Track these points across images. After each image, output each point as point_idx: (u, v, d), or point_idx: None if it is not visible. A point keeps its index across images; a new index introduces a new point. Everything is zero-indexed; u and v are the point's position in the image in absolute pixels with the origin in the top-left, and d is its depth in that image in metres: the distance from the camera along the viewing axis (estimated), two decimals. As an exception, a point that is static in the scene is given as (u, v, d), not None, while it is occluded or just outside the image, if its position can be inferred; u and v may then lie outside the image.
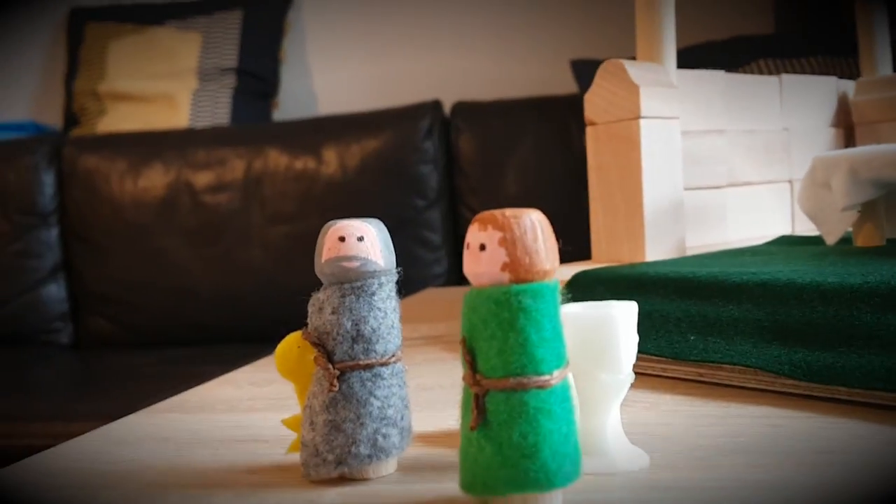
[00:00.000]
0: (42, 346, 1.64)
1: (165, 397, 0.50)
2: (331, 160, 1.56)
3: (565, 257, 0.75)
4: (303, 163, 1.54)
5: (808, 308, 0.42)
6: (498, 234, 0.27)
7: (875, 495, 0.28)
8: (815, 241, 0.64)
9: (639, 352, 0.46)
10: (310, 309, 0.33)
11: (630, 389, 0.33)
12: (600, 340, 0.32)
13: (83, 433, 0.42)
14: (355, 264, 0.32)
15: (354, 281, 0.32)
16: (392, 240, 0.34)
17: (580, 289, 0.54)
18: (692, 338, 0.45)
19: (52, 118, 1.85)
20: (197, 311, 1.59)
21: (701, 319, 0.46)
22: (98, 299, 1.65)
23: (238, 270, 1.56)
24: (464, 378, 0.28)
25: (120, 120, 1.71)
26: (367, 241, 0.32)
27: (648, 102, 0.61)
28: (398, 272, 0.34)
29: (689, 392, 0.43)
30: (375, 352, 0.32)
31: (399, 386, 0.33)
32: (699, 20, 1.36)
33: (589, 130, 0.65)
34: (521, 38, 1.65)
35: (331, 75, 1.80)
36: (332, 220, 0.33)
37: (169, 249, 1.59)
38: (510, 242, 0.27)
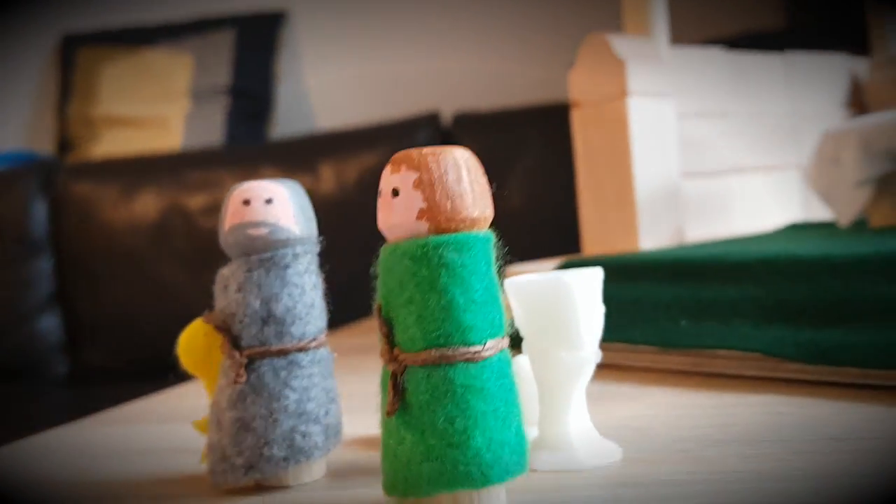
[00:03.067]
0: (37, 380, 1.60)
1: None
2: (328, 177, 1.51)
3: (554, 251, 0.69)
4: (299, 181, 1.49)
5: (815, 283, 0.36)
6: (413, 176, 0.22)
7: (884, 485, 0.23)
8: (828, 226, 0.58)
9: (624, 341, 0.41)
10: (215, 288, 0.28)
11: (612, 384, 0.28)
12: (556, 313, 0.27)
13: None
14: (262, 231, 0.27)
15: (263, 252, 0.27)
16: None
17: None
18: (683, 323, 0.40)
19: (45, 145, 1.83)
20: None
21: (694, 303, 0.40)
22: (94, 329, 1.61)
23: (237, 294, 1.51)
24: (381, 355, 0.23)
25: (113, 144, 1.68)
26: (276, 205, 0.27)
27: (636, 78, 0.56)
28: (319, 241, 0.29)
29: (680, 383, 0.37)
30: (291, 335, 0.27)
31: (322, 376, 0.28)
32: (707, 16, 1.32)
33: (575, 112, 0.60)
34: (522, 41, 1.61)
35: (328, 89, 1.76)
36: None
37: (165, 275, 1.55)
38: (427, 184, 0.22)
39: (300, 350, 0.27)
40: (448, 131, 1.54)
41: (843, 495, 0.22)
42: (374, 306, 0.23)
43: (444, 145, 0.23)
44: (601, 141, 0.57)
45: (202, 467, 0.30)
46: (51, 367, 1.61)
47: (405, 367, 0.22)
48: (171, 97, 1.67)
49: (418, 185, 0.22)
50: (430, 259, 0.22)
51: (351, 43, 1.75)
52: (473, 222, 0.22)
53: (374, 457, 0.30)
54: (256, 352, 0.27)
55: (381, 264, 0.23)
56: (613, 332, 0.41)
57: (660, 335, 0.40)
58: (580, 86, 0.58)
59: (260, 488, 0.28)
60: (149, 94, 1.68)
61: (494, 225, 0.23)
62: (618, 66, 0.56)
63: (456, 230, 0.22)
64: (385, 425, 0.23)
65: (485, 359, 0.22)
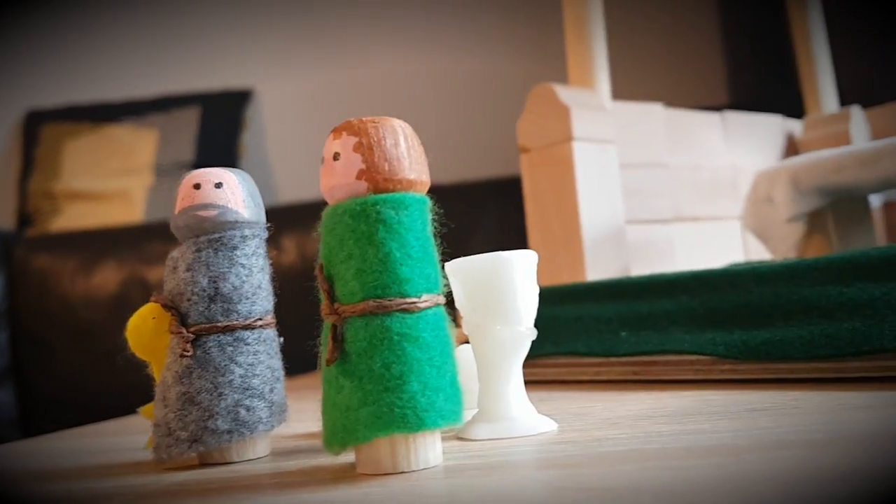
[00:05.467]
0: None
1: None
2: (290, 249, 1.53)
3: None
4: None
5: (743, 291, 0.38)
6: (353, 140, 0.24)
7: (799, 438, 0.24)
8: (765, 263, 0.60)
9: (569, 353, 0.42)
10: (165, 271, 0.29)
11: (557, 393, 0.29)
12: (494, 289, 0.28)
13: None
14: (212, 213, 0.28)
15: (212, 233, 0.28)
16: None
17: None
18: (624, 334, 0.41)
19: (5, 219, 1.83)
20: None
21: (633, 316, 0.42)
22: (49, 404, 1.57)
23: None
24: (321, 311, 0.24)
25: (74, 218, 1.68)
26: (226, 189, 0.28)
27: (580, 124, 0.59)
28: (268, 227, 0.30)
29: (622, 388, 0.39)
30: (238, 313, 0.28)
31: (268, 354, 0.29)
32: (655, 92, 1.39)
33: (523, 158, 0.63)
34: (479, 123, 1.67)
35: (291, 166, 1.80)
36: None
37: (122, 348, 1.53)
38: (367, 148, 0.24)
39: (246, 328, 0.28)
40: (409, 203, 1.58)
41: (759, 443, 0.23)
42: (316, 267, 0.24)
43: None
44: (548, 183, 0.60)
45: (147, 453, 0.30)
46: (3, 441, 1.56)
47: (345, 318, 0.23)
48: (135, 172, 1.69)
49: (358, 148, 0.24)
50: (369, 215, 0.23)
51: (315, 125, 1.79)
52: (410, 184, 0.24)
53: (319, 443, 0.31)
54: (203, 328, 0.28)
55: (324, 226, 0.24)
56: (561, 346, 0.43)
57: (602, 346, 0.41)
58: (528, 132, 0.61)
59: (204, 465, 0.28)
60: (112, 169, 1.70)
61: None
62: (563, 112, 0.59)
63: (394, 190, 0.24)
64: (325, 377, 0.24)
65: (421, 310, 0.23)
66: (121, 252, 1.57)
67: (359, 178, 0.23)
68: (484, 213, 1.51)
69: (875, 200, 0.58)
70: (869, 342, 0.32)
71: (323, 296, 0.24)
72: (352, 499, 0.21)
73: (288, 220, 1.59)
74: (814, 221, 0.56)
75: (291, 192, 1.75)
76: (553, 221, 0.59)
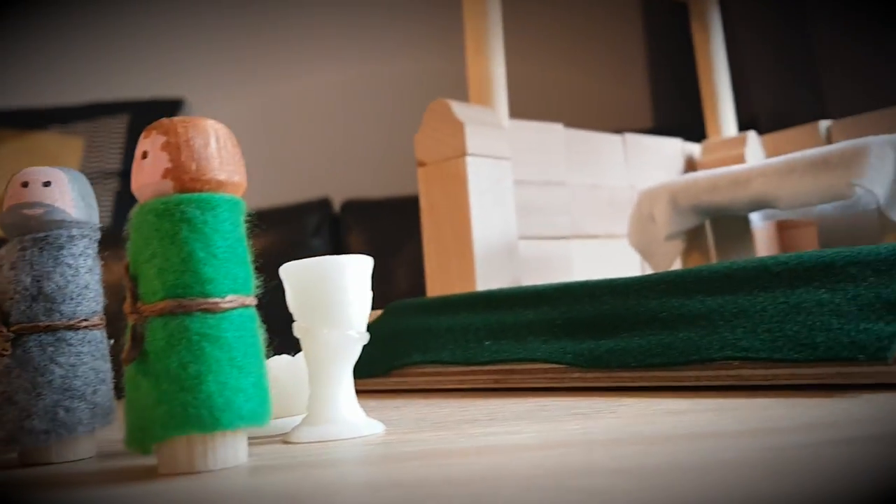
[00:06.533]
0: None
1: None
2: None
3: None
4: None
5: (598, 302, 0.40)
6: (161, 139, 0.24)
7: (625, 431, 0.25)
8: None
9: (435, 361, 0.43)
10: (-7, 270, 0.29)
11: (416, 400, 0.29)
12: (324, 292, 0.28)
13: None
14: (38, 211, 0.28)
15: (37, 231, 0.28)
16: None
17: (393, 314, 0.50)
18: (487, 343, 0.42)
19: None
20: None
21: (498, 326, 0.43)
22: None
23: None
24: (124, 310, 0.24)
25: (-5, 225, 1.65)
26: (54, 188, 0.28)
27: (474, 140, 0.60)
28: (99, 228, 0.30)
29: (481, 396, 0.39)
30: (61, 313, 0.28)
31: (93, 356, 0.29)
32: (584, 117, 1.42)
33: (420, 171, 0.63)
34: (409, 139, 1.68)
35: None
36: None
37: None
38: (174, 147, 0.24)
39: (70, 328, 0.28)
40: (337, 217, 1.57)
41: (544, 442, 0.24)
42: (122, 265, 0.25)
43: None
44: (442, 196, 0.61)
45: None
46: None
47: (146, 318, 0.23)
48: (58, 177, 1.66)
49: (165, 147, 0.24)
50: (173, 214, 0.23)
51: (246, 134, 1.79)
52: (219, 184, 0.24)
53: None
54: (24, 327, 0.27)
55: (131, 224, 0.25)
56: (427, 355, 0.44)
57: (466, 354, 0.42)
58: (424, 147, 0.62)
59: (25, 466, 0.28)
60: (35, 174, 1.67)
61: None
62: (457, 127, 0.60)
63: (201, 190, 0.24)
64: (126, 377, 0.24)
65: (224, 311, 0.24)
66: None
67: (164, 176, 0.24)
68: (410, 229, 1.52)
69: (757, 219, 0.60)
70: (698, 352, 0.33)
71: (128, 296, 0.24)
72: (134, 496, 0.21)
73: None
74: (695, 239, 0.57)
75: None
76: (447, 234, 0.60)
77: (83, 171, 1.68)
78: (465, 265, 0.59)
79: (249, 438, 0.30)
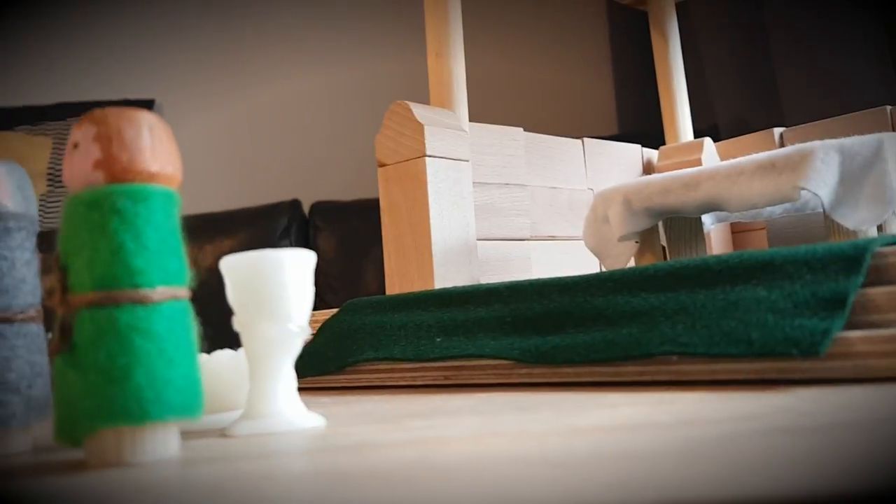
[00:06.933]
0: None
1: None
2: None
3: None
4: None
5: (546, 300, 0.40)
6: (93, 130, 0.24)
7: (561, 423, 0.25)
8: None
9: (387, 358, 0.43)
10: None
11: (368, 396, 0.29)
12: (263, 286, 0.28)
13: None
14: (-27, 203, 0.28)
15: (-27, 223, 0.28)
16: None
17: (349, 312, 0.50)
18: (438, 340, 0.42)
19: None
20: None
21: (450, 323, 0.43)
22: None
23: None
24: (54, 302, 0.24)
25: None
26: (-9, 179, 0.28)
27: (434, 142, 0.60)
28: (37, 221, 0.30)
29: (432, 392, 0.39)
30: (-4, 305, 0.28)
31: (28, 350, 0.28)
32: (551, 124, 1.43)
33: (380, 172, 0.64)
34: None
35: (192, 178, 1.78)
36: None
37: None
38: (105, 138, 0.24)
39: (4, 321, 0.28)
40: (307, 218, 1.57)
41: (474, 434, 0.24)
42: (53, 257, 0.24)
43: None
44: (402, 197, 0.61)
45: None
46: None
47: (75, 309, 0.23)
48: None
49: (97, 138, 0.24)
50: (102, 205, 0.23)
51: (217, 136, 1.77)
52: (151, 176, 0.24)
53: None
54: (-42, 320, 0.27)
55: (63, 216, 0.24)
56: (380, 352, 0.44)
57: (417, 351, 0.42)
58: (384, 148, 0.62)
59: (-47, 462, 0.27)
60: None
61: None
62: (417, 129, 0.60)
63: (132, 181, 0.24)
64: (54, 369, 0.24)
65: (155, 302, 0.23)
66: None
67: (95, 168, 0.24)
68: (379, 231, 1.52)
69: (709, 221, 0.61)
70: (639, 347, 0.34)
71: (57, 287, 0.24)
72: (60, 488, 0.21)
73: (185, 231, 1.56)
74: (648, 240, 0.58)
75: (192, 206, 1.73)
76: (406, 235, 0.60)
77: (51, 170, 1.66)
78: (424, 265, 0.59)
79: (189, 433, 0.30)
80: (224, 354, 0.32)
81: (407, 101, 0.62)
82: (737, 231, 0.77)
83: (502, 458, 0.20)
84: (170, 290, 0.24)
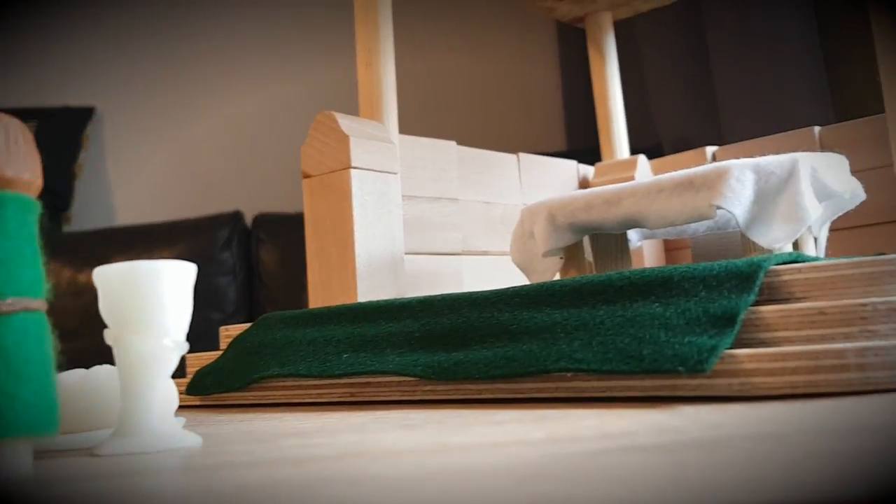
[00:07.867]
0: None
1: None
2: (122, 274, 1.46)
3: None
4: (87, 276, 1.44)
5: (456, 315, 0.39)
6: (-57, 133, 0.23)
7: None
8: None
9: (290, 375, 0.42)
10: None
11: (271, 414, 0.28)
12: (137, 299, 0.27)
13: None
14: None
15: None
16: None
17: (262, 327, 0.49)
18: (345, 356, 0.41)
19: None
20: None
21: (359, 339, 0.42)
22: None
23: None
24: None
25: None
26: None
27: (360, 154, 0.60)
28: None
29: (337, 409, 0.38)
30: None
31: None
32: (497, 139, 1.43)
33: (305, 183, 0.63)
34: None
35: (132, 189, 1.74)
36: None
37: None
38: (-44, 141, 0.23)
39: None
40: (248, 230, 1.55)
41: (353, 452, 0.24)
42: None
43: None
44: (326, 209, 0.60)
45: None
46: None
47: (-83, 320, 0.22)
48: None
49: (-53, 141, 0.23)
50: (-50, 211, 0.22)
51: (158, 146, 1.75)
52: (6, 182, 0.23)
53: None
54: None
55: (-90, 222, 0.23)
56: (285, 368, 0.43)
57: (321, 367, 0.41)
58: (310, 159, 0.61)
59: None
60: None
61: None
62: (343, 139, 0.59)
63: (-16, 187, 0.23)
64: None
65: (4, 314, 0.22)
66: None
67: (-55, 172, 0.23)
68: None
69: (635, 238, 0.61)
70: (537, 363, 0.33)
71: None
72: None
73: (118, 243, 1.53)
74: (573, 256, 0.58)
75: (131, 217, 1.69)
76: (330, 247, 0.59)
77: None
78: (348, 279, 0.58)
79: (57, 451, 0.29)
80: (104, 370, 0.31)
81: (333, 112, 0.61)
82: (671, 249, 0.78)
83: (351, 477, 0.19)
84: (22, 302, 0.23)
